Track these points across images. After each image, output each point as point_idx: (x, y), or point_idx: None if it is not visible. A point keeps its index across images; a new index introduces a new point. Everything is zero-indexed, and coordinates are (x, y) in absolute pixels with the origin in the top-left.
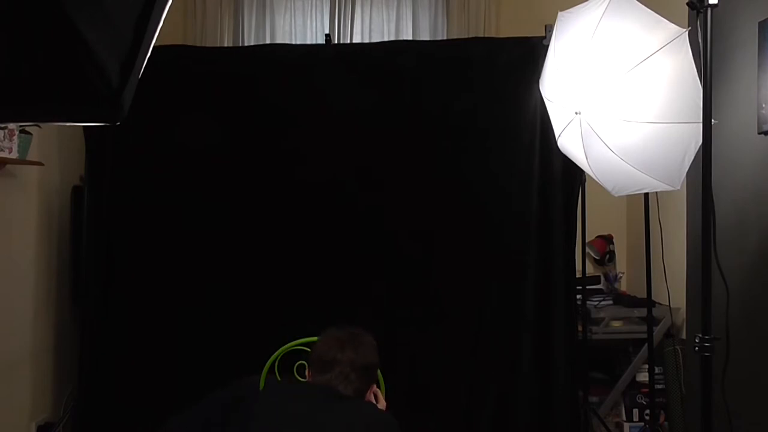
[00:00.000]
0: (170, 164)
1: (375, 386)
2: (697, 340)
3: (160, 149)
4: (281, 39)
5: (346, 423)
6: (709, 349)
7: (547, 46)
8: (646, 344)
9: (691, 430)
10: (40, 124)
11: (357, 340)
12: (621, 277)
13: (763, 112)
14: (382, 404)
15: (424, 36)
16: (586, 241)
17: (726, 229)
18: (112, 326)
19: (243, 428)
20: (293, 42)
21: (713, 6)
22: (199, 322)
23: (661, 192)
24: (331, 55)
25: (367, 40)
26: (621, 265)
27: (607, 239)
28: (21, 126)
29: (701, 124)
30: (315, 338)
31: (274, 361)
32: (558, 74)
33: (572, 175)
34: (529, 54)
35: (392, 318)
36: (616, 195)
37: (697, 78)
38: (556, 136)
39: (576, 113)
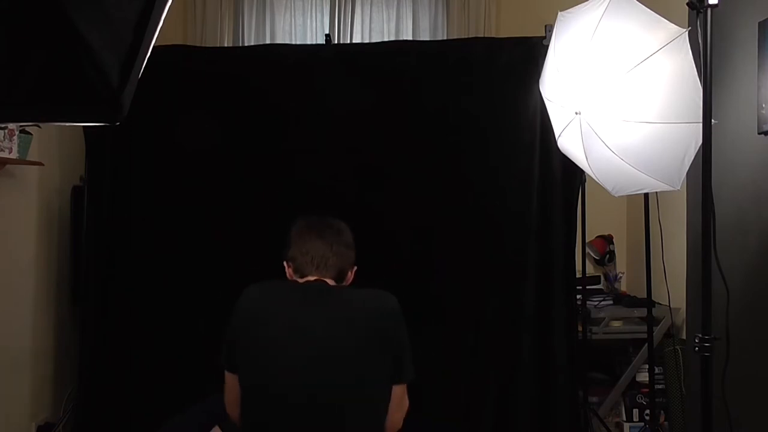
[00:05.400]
0: (170, 164)
1: (355, 267)
2: (697, 340)
3: (160, 149)
4: (281, 39)
5: (352, 309)
6: (708, 349)
7: (547, 46)
8: (646, 344)
9: (691, 430)
10: (40, 124)
11: (328, 223)
12: (621, 277)
13: (763, 112)
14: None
15: (424, 36)
16: (586, 241)
17: (726, 229)
18: (112, 326)
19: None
20: (293, 42)
21: (713, 6)
22: (199, 322)
23: (661, 192)
24: (331, 55)
25: (367, 40)
26: (621, 265)
27: (607, 239)
28: (21, 126)
29: (701, 124)
30: None
31: None
32: (558, 74)
33: (572, 175)
34: (529, 54)
35: None
36: (616, 195)
37: (697, 78)
38: (556, 136)
39: (576, 113)
